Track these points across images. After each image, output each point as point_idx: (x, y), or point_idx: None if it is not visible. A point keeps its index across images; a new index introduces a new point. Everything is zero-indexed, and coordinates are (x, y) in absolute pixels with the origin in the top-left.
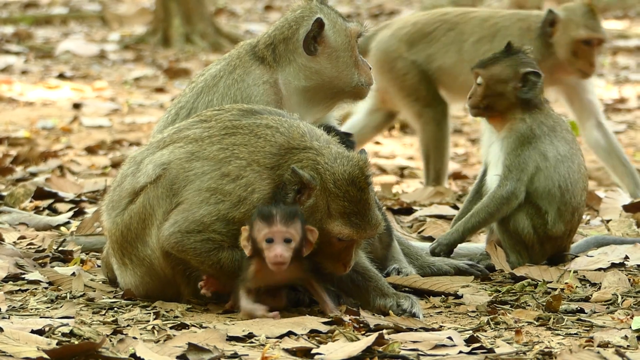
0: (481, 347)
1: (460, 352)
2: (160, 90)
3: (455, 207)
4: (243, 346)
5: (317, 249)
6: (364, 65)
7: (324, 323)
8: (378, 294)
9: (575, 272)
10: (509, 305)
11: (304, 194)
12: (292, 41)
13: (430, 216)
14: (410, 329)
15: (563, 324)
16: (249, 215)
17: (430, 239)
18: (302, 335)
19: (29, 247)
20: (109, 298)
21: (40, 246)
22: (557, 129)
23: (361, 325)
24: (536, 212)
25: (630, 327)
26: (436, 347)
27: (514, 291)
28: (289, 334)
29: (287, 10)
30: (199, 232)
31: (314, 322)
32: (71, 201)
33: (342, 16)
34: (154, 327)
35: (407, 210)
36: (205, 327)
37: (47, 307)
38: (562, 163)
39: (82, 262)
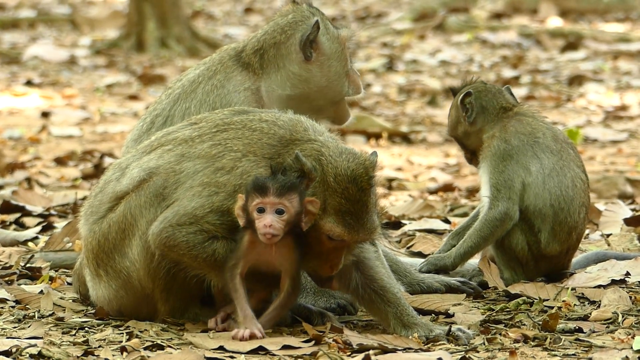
0: None
1: None
2: (134, 97)
3: (446, 221)
4: None
5: (306, 245)
6: (353, 74)
7: (305, 342)
8: (398, 324)
9: (573, 289)
10: (503, 325)
11: (303, 183)
12: (286, 46)
13: (420, 230)
14: (397, 349)
15: (560, 344)
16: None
17: (419, 254)
18: (275, 351)
19: None
20: (80, 317)
21: (6, 263)
22: (538, 135)
23: (346, 345)
24: (529, 229)
25: (632, 348)
26: None
27: (508, 309)
28: (260, 349)
29: (276, 15)
30: (191, 224)
31: (291, 340)
32: (39, 215)
33: (332, 22)
34: (126, 348)
35: (396, 224)
36: (181, 348)
37: (14, 327)
38: (550, 178)
39: (51, 279)
